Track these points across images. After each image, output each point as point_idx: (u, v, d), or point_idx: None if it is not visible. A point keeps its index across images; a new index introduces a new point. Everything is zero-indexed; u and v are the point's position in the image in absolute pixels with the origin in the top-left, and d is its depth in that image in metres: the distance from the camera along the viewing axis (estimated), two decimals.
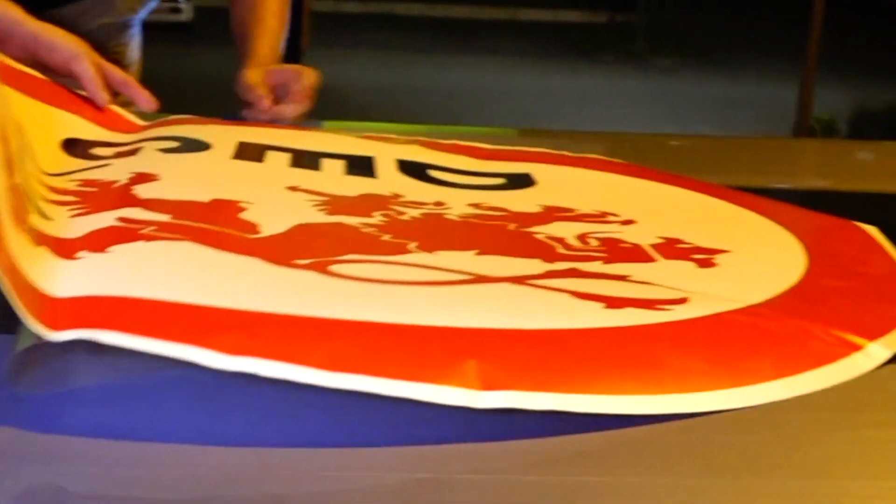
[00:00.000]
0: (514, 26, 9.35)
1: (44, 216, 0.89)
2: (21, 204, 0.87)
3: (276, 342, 0.67)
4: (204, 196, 0.96)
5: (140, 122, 1.23)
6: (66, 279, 0.75)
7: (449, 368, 0.66)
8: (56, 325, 0.66)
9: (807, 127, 5.87)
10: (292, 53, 4.54)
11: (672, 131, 6.32)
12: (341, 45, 7.41)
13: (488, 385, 0.65)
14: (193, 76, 6.85)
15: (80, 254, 0.80)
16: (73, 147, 1.12)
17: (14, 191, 0.87)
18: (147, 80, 1.62)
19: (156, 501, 0.59)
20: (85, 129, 1.16)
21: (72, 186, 0.99)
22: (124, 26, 1.51)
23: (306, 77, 1.25)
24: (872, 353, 0.75)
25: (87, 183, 1.00)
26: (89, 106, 1.20)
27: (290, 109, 1.27)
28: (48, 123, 1.12)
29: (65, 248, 0.81)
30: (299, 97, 1.27)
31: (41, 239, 0.82)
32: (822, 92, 5.33)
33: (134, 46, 1.54)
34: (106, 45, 1.50)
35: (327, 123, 1.50)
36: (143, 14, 1.53)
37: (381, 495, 0.61)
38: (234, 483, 0.60)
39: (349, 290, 0.77)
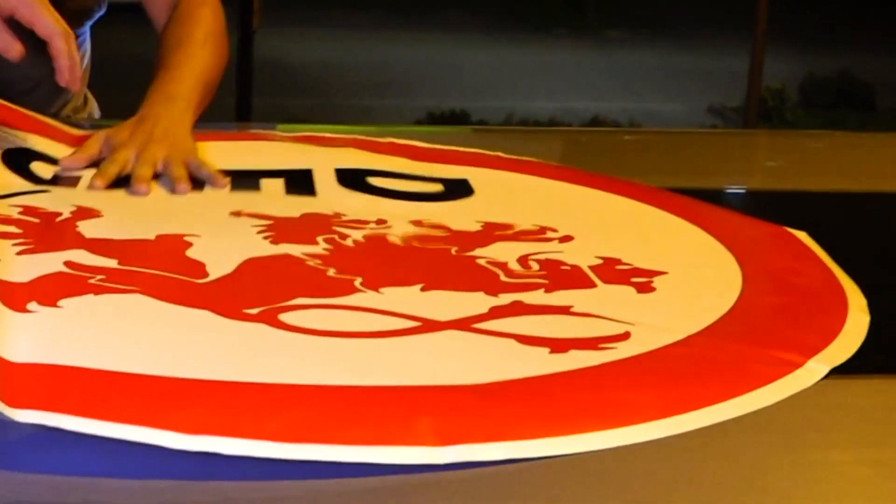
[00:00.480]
0: (467, 1, 9.34)
1: None
2: None
3: (233, 416, 0.67)
4: (149, 233, 0.96)
5: (76, 132, 1.22)
6: (20, 340, 0.74)
7: (404, 428, 0.67)
8: (16, 402, 0.65)
9: (758, 96, 5.93)
10: (244, 33, 4.53)
11: (626, 103, 6.36)
12: (293, 23, 7.38)
13: (445, 440, 0.65)
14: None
15: (31, 305, 0.80)
16: (11, 160, 1.11)
17: None
18: (108, 61, 1.62)
19: None
20: (24, 138, 1.15)
21: (13, 214, 0.99)
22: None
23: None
24: (812, 370, 0.77)
25: (28, 211, 1.00)
26: (26, 117, 1.20)
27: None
28: None
29: (14, 297, 0.81)
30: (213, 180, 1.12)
31: None
32: (773, 62, 5.37)
33: (86, 46, 1.53)
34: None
35: (281, 127, 1.50)
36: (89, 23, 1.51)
37: None
38: None
39: (301, 348, 0.77)
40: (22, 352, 0.72)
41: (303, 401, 0.70)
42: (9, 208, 1.01)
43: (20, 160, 1.12)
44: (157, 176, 1.09)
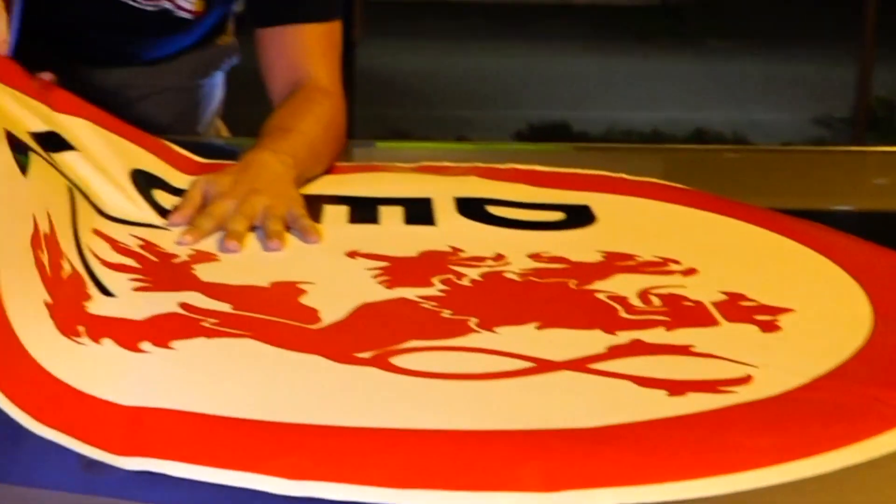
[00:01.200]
0: (568, 10, 9.30)
1: (103, 290, 0.89)
2: (74, 297, 0.86)
3: (341, 461, 0.66)
4: (263, 279, 0.95)
5: (197, 160, 1.22)
6: (129, 382, 0.75)
7: (513, 473, 0.65)
8: (124, 449, 0.66)
9: (866, 106, 5.80)
10: (345, 45, 4.56)
11: (729, 113, 6.27)
12: (395, 33, 7.42)
13: (555, 486, 0.64)
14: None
15: (144, 345, 0.81)
16: (137, 180, 1.12)
17: (48, 243, 0.87)
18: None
19: None
20: (150, 162, 1.17)
21: (133, 245, 1.00)
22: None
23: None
24: None
25: (147, 247, 1.01)
26: (151, 140, 1.21)
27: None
28: (117, 153, 1.12)
29: (128, 335, 0.82)
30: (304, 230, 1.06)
31: (103, 328, 0.82)
32: (882, 70, 5.25)
33: (218, 92, 1.54)
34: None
35: (379, 144, 1.49)
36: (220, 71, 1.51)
37: None
38: None
39: (411, 392, 0.76)
40: (131, 394, 0.73)
41: (411, 445, 0.69)
42: (129, 237, 1.00)
43: (145, 182, 1.13)
44: (254, 228, 1.07)
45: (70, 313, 0.82)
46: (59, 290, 0.82)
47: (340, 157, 1.29)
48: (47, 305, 0.80)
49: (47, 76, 1.11)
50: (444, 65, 7.18)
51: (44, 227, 0.85)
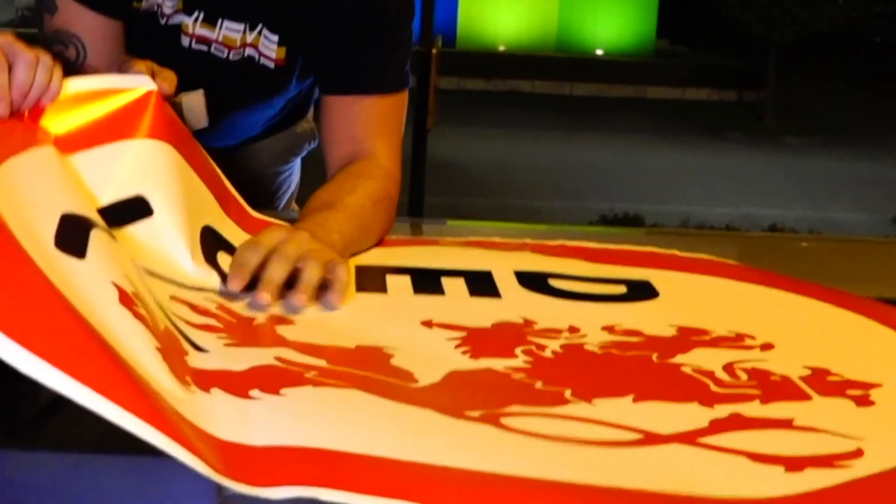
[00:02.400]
0: (641, 104, 9.30)
1: (195, 346, 0.88)
2: (175, 348, 0.84)
3: (487, 499, 0.65)
4: (348, 342, 0.93)
5: (258, 217, 1.20)
6: (253, 425, 0.73)
7: None
8: (264, 480, 0.65)
9: None
10: (419, 130, 4.56)
11: (805, 211, 6.18)
12: (466, 122, 7.44)
13: None
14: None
15: (254, 392, 0.78)
16: (207, 241, 1.09)
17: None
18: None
19: None
20: (218, 217, 1.14)
21: (211, 307, 0.98)
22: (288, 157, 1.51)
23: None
24: None
25: (223, 309, 0.98)
26: (219, 181, 1.18)
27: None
28: (192, 208, 1.10)
29: (235, 384, 0.79)
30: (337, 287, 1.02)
31: (208, 378, 0.80)
32: None
33: (295, 178, 1.54)
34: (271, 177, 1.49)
35: (450, 223, 1.47)
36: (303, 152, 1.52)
37: None
38: None
39: (536, 448, 0.74)
40: (258, 435, 0.71)
41: (550, 494, 0.66)
42: (205, 301, 0.99)
43: (213, 243, 1.10)
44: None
45: (176, 363, 0.80)
46: (162, 340, 0.81)
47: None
48: (159, 350, 0.78)
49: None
50: (515, 154, 7.18)
51: (130, 288, 0.84)
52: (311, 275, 1.00)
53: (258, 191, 1.44)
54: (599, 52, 10.50)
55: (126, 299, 0.81)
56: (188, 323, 0.92)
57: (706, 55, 10.74)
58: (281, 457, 0.69)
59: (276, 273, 1.00)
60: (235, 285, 1.01)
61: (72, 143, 1.01)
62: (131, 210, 1.04)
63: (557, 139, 7.82)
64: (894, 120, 8.86)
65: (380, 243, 1.21)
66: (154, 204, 1.06)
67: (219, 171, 1.19)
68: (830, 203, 6.53)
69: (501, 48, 10.71)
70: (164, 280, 1.01)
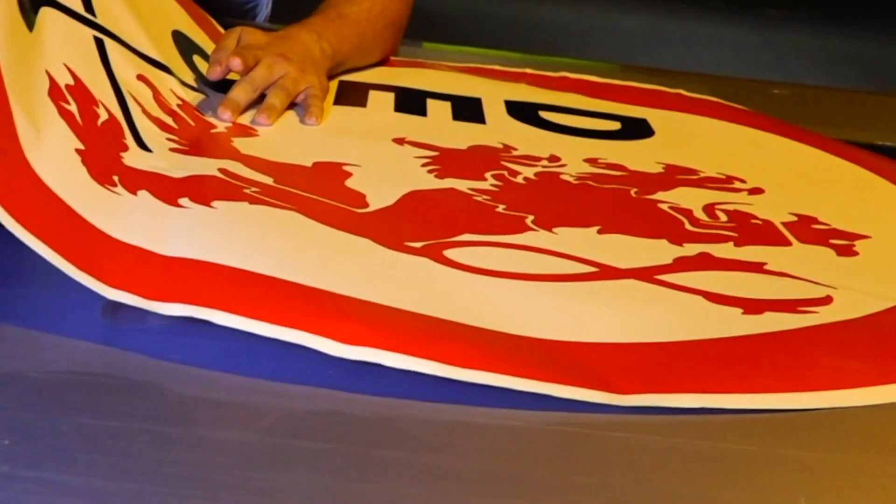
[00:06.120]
0: None
1: (140, 143, 0.85)
2: (109, 145, 0.81)
3: (394, 335, 0.63)
4: (305, 158, 0.89)
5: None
6: (169, 234, 0.70)
7: (588, 375, 0.63)
8: (163, 295, 0.64)
9: None
10: None
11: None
12: None
13: (634, 389, 0.62)
14: None
15: (183, 201, 0.76)
16: (178, 41, 1.06)
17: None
18: None
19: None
20: (189, 27, 1.11)
21: (172, 103, 0.92)
22: None
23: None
24: None
25: (186, 107, 0.94)
26: (192, 5, 1.15)
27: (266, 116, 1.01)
28: (160, 9, 1.07)
29: (166, 189, 0.76)
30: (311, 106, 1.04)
31: (140, 180, 0.78)
32: None
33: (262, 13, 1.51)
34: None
35: (427, 45, 1.44)
36: None
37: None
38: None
39: (468, 287, 0.71)
40: (171, 245, 0.69)
41: (470, 335, 0.64)
42: (169, 93, 0.95)
43: (186, 46, 1.07)
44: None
45: (105, 162, 0.78)
46: (92, 138, 0.78)
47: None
48: (79, 152, 0.75)
49: None
50: (490, 8, 7.06)
51: (63, 80, 0.80)
52: (273, 100, 1.01)
53: (228, 16, 1.43)
54: None
55: (56, 92, 0.78)
56: (144, 112, 0.89)
57: None
58: (184, 271, 0.66)
59: (241, 96, 1.01)
60: (216, 71, 1.02)
61: None
62: None
63: None
64: None
65: (384, 63, 1.20)
66: None
67: None
68: (805, 78, 6.48)
69: None
70: (135, 53, 0.97)
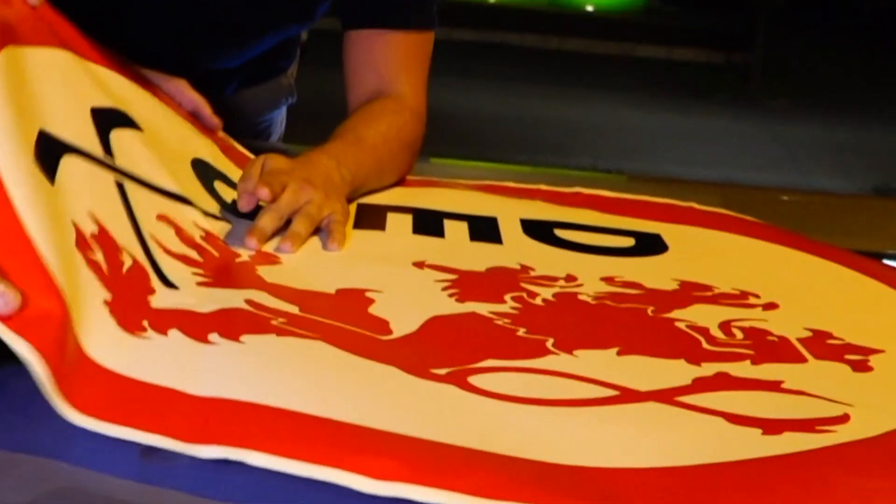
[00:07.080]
0: (628, 62, 9.23)
1: (166, 282, 0.86)
2: (135, 292, 0.83)
3: (425, 468, 0.63)
4: (328, 285, 0.90)
5: (250, 156, 1.19)
6: (203, 372, 0.71)
7: (610, 502, 0.60)
8: (197, 437, 0.63)
9: None
10: None
11: (787, 176, 6.16)
12: (454, 72, 7.38)
13: None
14: (305, 97, 6.89)
15: (213, 337, 0.76)
16: (199, 170, 1.08)
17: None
18: None
19: None
20: (211, 153, 1.13)
21: (196, 236, 0.95)
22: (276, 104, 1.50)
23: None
24: None
25: (209, 238, 0.96)
26: (211, 132, 1.17)
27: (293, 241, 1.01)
28: (181, 137, 1.09)
29: (195, 326, 0.77)
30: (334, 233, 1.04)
31: (169, 320, 0.78)
32: None
33: (276, 131, 1.53)
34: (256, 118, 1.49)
35: (433, 160, 1.46)
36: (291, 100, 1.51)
37: None
38: None
39: (493, 414, 0.71)
40: (202, 384, 0.69)
41: (496, 466, 0.64)
42: (193, 227, 0.97)
43: (206, 173, 1.09)
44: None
45: (134, 309, 0.79)
46: (119, 287, 0.79)
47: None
48: (107, 303, 0.77)
49: None
50: (500, 107, 7.13)
51: (89, 229, 0.82)
52: (298, 227, 1.02)
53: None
54: (590, 7, 10.42)
55: (82, 243, 0.80)
56: (167, 251, 0.89)
57: (696, 15, 10.66)
58: (216, 411, 0.67)
59: (268, 224, 1.02)
60: (245, 202, 1.03)
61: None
62: (115, 117, 0.98)
63: (544, 94, 7.76)
64: (880, 86, 8.83)
65: (400, 183, 1.20)
66: (139, 120, 1.02)
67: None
68: (812, 169, 6.50)
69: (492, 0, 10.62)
70: (153, 190, 0.98)
